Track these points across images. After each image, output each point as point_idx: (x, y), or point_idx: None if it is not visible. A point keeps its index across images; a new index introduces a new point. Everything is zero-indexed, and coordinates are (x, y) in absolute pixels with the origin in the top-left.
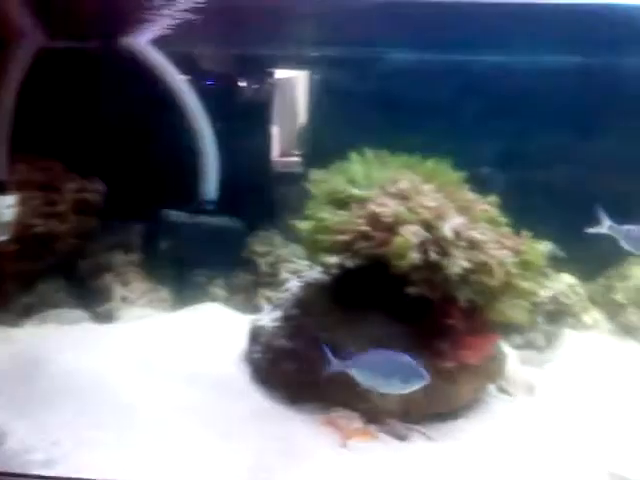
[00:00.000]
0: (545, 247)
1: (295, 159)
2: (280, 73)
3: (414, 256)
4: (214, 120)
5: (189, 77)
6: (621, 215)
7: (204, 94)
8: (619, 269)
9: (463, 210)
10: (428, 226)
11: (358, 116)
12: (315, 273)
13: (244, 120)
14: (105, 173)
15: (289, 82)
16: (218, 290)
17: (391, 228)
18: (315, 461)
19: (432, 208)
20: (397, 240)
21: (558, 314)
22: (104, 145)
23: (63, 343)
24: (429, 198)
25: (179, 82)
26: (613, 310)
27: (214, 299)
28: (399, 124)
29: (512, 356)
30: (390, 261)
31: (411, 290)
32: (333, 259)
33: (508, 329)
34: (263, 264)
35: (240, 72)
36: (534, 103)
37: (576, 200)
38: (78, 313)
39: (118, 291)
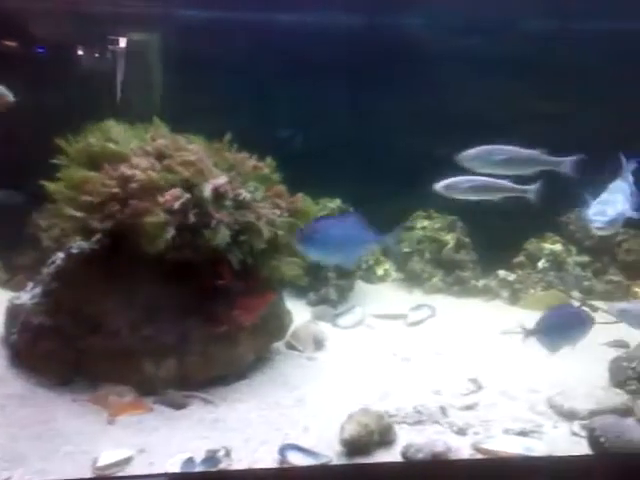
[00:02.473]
0: (334, 204)
1: None
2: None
3: (166, 238)
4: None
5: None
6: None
7: (34, 62)
8: (408, 222)
9: (232, 169)
10: (188, 185)
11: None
12: (83, 244)
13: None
14: None
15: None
16: None
17: (144, 194)
18: (77, 442)
19: (191, 164)
20: (146, 224)
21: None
22: None
23: None
24: (189, 154)
25: None
26: (401, 260)
27: None
28: (202, 85)
29: (305, 312)
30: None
31: (170, 255)
32: (80, 214)
33: (296, 286)
34: (46, 239)
35: (78, 39)
36: (326, 63)
37: (374, 158)
38: None
39: None
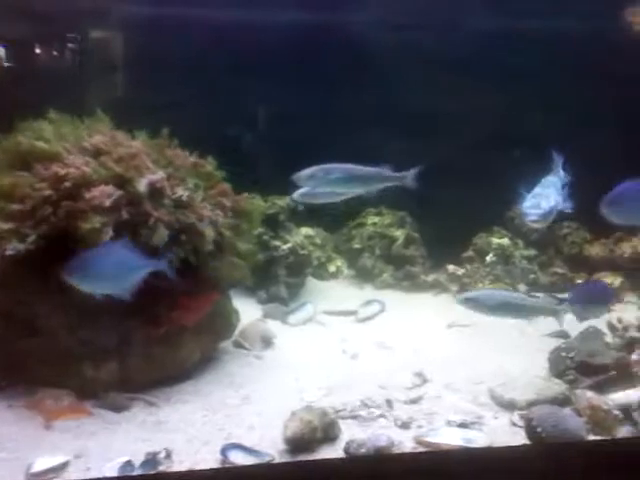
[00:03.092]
0: (284, 201)
1: None
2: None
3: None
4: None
5: None
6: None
7: None
8: (357, 219)
9: (170, 165)
10: (122, 181)
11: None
12: (18, 245)
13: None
14: None
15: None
16: None
17: (77, 193)
18: (12, 448)
19: (127, 160)
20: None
21: (299, 265)
22: None
23: None
24: (124, 149)
25: None
26: (353, 257)
27: None
28: (153, 82)
29: (256, 311)
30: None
31: None
32: (8, 226)
33: (241, 285)
34: None
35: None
36: (274, 61)
37: (328, 155)
38: None
39: None
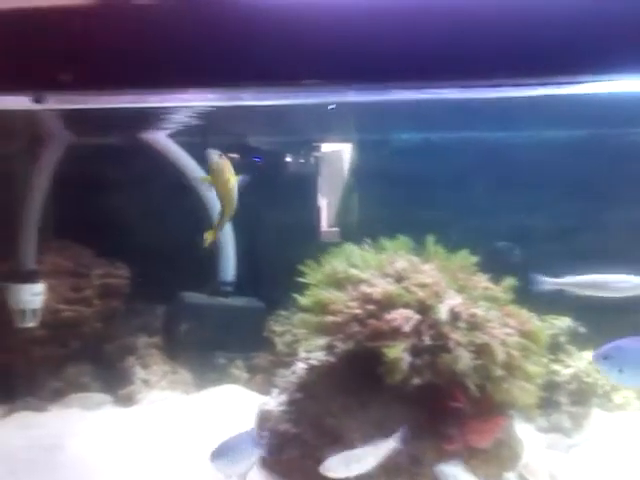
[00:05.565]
0: (564, 323)
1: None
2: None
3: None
4: (260, 196)
5: (237, 155)
6: None
7: (252, 171)
8: None
9: (463, 289)
10: (423, 306)
11: (379, 192)
12: (320, 355)
13: (288, 195)
14: (129, 258)
15: (334, 155)
16: (238, 371)
17: (382, 311)
18: None
19: (428, 286)
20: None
21: (583, 394)
22: (128, 232)
23: (82, 429)
24: (426, 276)
25: (194, 169)
26: None
27: (234, 381)
28: (421, 201)
29: (536, 440)
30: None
31: (410, 381)
32: (323, 340)
33: (527, 412)
34: (280, 344)
35: (286, 147)
36: (544, 176)
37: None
38: (101, 396)
39: (139, 374)
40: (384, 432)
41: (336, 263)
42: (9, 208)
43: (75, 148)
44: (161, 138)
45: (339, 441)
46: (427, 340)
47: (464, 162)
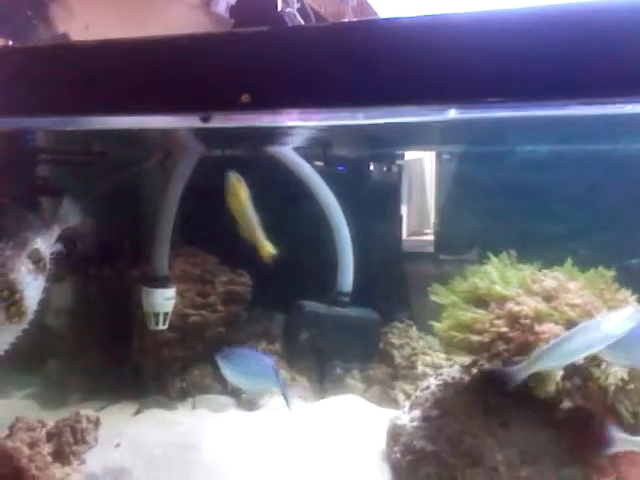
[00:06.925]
0: None
1: (425, 238)
2: (408, 154)
3: (556, 382)
4: (346, 206)
5: (322, 164)
6: None
7: (336, 180)
8: None
9: (613, 309)
10: (573, 325)
11: (484, 203)
12: (454, 371)
13: (374, 204)
14: (251, 266)
15: (416, 163)
16: (354, 382)
17: (531, 328)
18: None
19: (578, 306)
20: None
21: None
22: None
23: (212, 429)
24: (575, 296)
25: (317, 180)
26: None
27: (351, 390)
28: (528, 214)
29: None
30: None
31: (559, 401)
32: (469, 359)
33: None
34: (399, 356)
35: (370, 155)
36: None
37: None
38: (225, 399)
39: None
40: (526, 456)
41: (477, 279)
42: (147, 218)
43: (205, 161)
44: (287, 151)
45: (480, 462)
46: (579, 360)
47: (589, 175)
